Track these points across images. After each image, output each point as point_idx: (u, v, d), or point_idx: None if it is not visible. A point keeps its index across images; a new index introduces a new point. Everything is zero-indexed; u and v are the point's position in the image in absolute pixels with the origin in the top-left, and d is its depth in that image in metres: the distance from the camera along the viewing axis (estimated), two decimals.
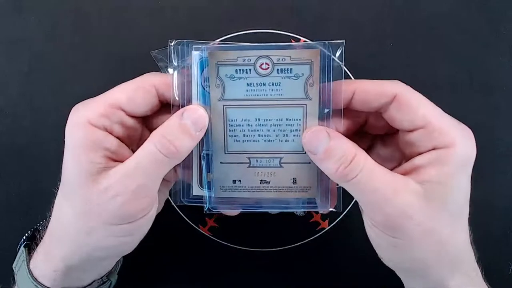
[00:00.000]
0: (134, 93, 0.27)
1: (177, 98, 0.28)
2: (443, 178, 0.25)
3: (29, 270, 0.29)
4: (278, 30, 0.38)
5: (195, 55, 0.27)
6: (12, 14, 0.38)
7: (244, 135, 0.28)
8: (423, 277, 0.27)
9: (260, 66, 0.27)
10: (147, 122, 0.30)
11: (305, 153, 0.28)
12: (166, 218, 0.38)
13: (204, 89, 0.28)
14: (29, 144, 0.38)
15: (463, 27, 0.38)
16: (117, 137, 0.27)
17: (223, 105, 0.27)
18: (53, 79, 0.38)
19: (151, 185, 0.27)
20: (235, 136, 0.28)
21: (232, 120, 0.28)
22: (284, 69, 0.27)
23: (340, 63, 0.27)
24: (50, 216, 0.29)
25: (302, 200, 0.29)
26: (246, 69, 0.27)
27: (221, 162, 0.29)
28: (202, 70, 0.28)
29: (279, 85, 0.27)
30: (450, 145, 0.25)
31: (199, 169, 0.29)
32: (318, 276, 0.39)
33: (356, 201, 0.38)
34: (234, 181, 0.29)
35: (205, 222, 0.39)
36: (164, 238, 0.38)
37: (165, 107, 0.29)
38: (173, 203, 0.38)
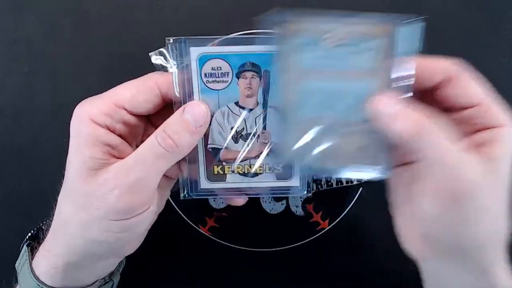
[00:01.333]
0: (137, 92, 0.28)
1: (177, 95, 0.28)
2: (503, 155, 0.25)
3: (31, 269, 0.29)
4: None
5: (194, 51, 0.27)
6: (12, 14, 0.38)
7: (312, 106, 0.27)
8: (468, 260, 0.27)
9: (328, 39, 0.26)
10: (152, 121, 0.30)
11: (369, 122, 0.27)
12: (166, 218, 0.38)
13: (205, 84, 0.28)
14: (29, 144, 0.38)
15: (463, 27, 0.38)
16: (120, 135, 0.28)
17: (292, 76, 0.26)
18: (53, 79, 0.38)
19: (150, 179, 0.27)
20: (304, 106, 0.27)
21: (301, 91, 0.27)
22: (354, 43, 0.26)
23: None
24: (54, 214, 0.29)
25: (372, 168, 0.29)
26: (314, 41, 0.26)
27: (287, 131, 0.28)
28: (201, 66, 0.28)
29: (347, 58, 0.26)
30: (505, 124, 0.26)
31: (205, 163, 0.29)
32: (318, 276, 0.39)
33: (355, 201, 0.38)
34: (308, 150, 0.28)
35: (205, 222, 0.39)
36: (164, 238, 0.38)
37: (169, 105, 0.29)
38: (173, 203, 0.38)
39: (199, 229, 0.39)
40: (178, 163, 0.29)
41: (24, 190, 0.39)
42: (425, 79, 0.27)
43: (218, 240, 0.39)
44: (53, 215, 0.29)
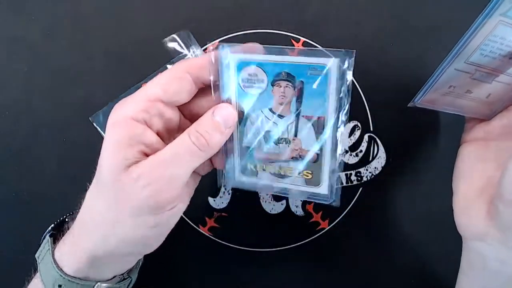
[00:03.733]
0: (169, 84, 0.28)
1: (212, 79, 0.29)
2: None
3: (54, 259, 0.29)
4: (278, 30, 0.38)
5: (233, 57, 0.28)
6: (12, 14, 0.38)
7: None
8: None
9: None
10: (185, 110, 0.31)
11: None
12: None
13: (242, 88, 0.29)
14: (29, 144, 0.38)
15: (463, 27, 0.38)
16: (156, 131, 0.28)
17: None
18: (53, 79, 0.38)
19: (183, 175, 0.27)
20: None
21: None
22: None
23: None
24: (79, 208, 0.30)
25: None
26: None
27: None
28: (239, 71, 0.28)
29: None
30: None
31: (240, 159, 0.31)
32: (318, 276, 0.39)
33: (355, 201, 0.38)
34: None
35: (205, 222, 0.39)
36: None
37: (201, 90, 0.30)
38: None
39: (199, 229, 0.39)
40: (214, 157, 0.30)
41: (24, 190, 0.39)
42: None
43: (218, 240, 0.39)
44: (79, 209, 0.30)
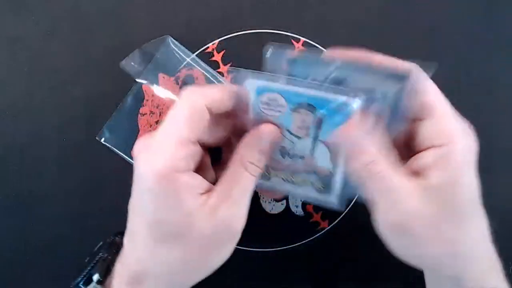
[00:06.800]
0: (195, 123, 0.26)
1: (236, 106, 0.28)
2: (447, 180, 0.25)
3: None
4: (278, 30, 0.38)
5: (251, 83, 0.28)
6: (12, 14, 0.38)
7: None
8: (439, 274, 0.28)
9: None
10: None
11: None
12: None
13: (261, 110, 0.28)
14: (29, 144, 0.38)
15: (463, 27, 0.38)
16: (196, 166, 0.27)
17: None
18: (53, 79, 0.38)
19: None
20: None
21: None
22: None
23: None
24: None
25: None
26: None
27: None
28: (258, 95, 0.28)
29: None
30: (454, 140, 0.25)
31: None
32: (318, 276, 0.39)
33: (355, 201, 0.38)
34: None
35: None
36: None
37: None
38: None
39: None
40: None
41: (24, 190, 0.39)
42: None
43: None
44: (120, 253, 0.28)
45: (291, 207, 0.38)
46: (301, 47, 0.38)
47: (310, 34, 0.38)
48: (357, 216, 0.38)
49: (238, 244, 0.39)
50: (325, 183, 0.31)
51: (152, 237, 0.26)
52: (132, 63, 0.36)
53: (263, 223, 0.38)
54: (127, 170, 0.38)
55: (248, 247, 0.38)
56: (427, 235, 0.25)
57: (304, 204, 0.38)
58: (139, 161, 0.26)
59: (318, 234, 0.38)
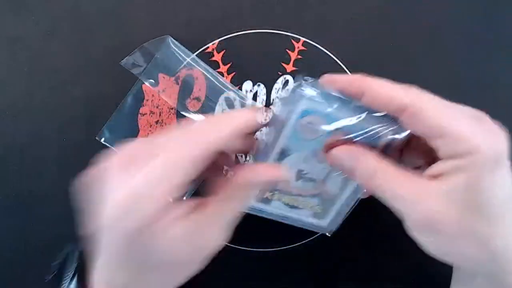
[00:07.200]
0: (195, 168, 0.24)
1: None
2: (470, 184, 0.24)
3: None
4: (278, 30, 0.38)
5: (301, 98, 0.26)
6: (12, 14, 0.38)
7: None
8: (473, 271, 0.28)
9: None
10: None
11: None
12: None
13: (296, 130, 0.27)
14: (29, 144, 0.38)
15: (463, 27, 0.38)
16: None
17: None
18: (53, 79, 0.38)
19: None
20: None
21: None
22: None
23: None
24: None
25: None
26: None
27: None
28: (302, 116, 0.27)
29: None
30: (473, 151, 0.24)
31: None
32: (318, 276, 0.39)
33: (355, 201, 0.38)
34: None
35: None
36: None
37: None
38: None
39: None
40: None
41: (24, 190, 0.39)
42: (380, 106, 0.26)
43: None
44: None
45: None
46: (301, 47, 0.38)
47: (310, 34, 0.38)
48: (357, 216, 0.38)
49: (238, 244, 0.39)
50: (325, 207, 0.31)
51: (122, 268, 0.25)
52: (132, 62, 0.35)
53: (263, 223, 0.38)
54: None
55: (248, 247, 0.38)
56: (457, 234, 0.25)
57: None
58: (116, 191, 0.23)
59: (318, 234, 0.38)
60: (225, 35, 0.38)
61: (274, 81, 0.38)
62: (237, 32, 0.38)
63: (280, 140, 0.28)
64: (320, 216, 0.32)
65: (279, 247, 0.38)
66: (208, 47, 0.38)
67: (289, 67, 0.38)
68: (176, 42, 0.36)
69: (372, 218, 0.38)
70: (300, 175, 0.30)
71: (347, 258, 0.39)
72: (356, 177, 0.27)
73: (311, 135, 0.27)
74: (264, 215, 0.32)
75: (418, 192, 0.25)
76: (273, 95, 0.38)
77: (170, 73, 0.37)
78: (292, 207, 0.32)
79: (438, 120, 0.24)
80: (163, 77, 0.37)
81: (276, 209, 0.32)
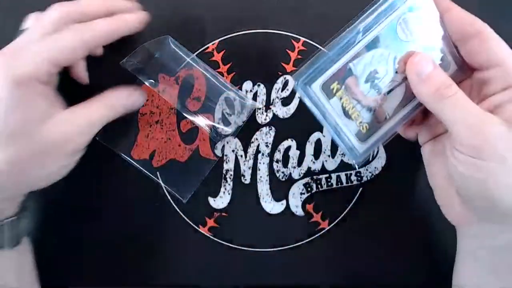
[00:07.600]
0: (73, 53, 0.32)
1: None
2: None
3: None
4: (278, 30, 0.38)
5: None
6: (12, 14, 0.38)
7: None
8: (507, 222, 0.28)
9: None
10: None
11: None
12: (166, 218, 0.39)
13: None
14: None
15: None
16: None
17: None
18: None
19: None
20: None
21: None
22: None
23: None
24: None
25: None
26: None
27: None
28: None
29: None
30: None
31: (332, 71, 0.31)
32: (318, 276, 0.39)
33: (355, 201, 0.38)
34: None
35: (205, 222, 0.39)
36: (163, 238, 0.38)
37: None
38: (173, 203, 0.38)
39: (199, 229, 0.39)
40: None
41: None
42: (457, 27, 0.29)
43: (218, 240, 0.39)
44: None
45: (291, 207, 0.38)
46: (301, 47, 0.38)
47: (310, 34, 0.38)
48: (357, 216, 0.38)
49: (238, 244, 0.39)
50: (370, 129, 0.31)
51: None
52: (132, 62, 0.35)
53: (263, 223, 0.38)
54: (127, 170, 0.38)
55: (248, 247, 0.39)
56: (502, 162, 0.25)
57: (304, 204, 0.38)
58: None
59: (318, 234, 0.38)
60: (225, 35, 0.38)
61: (274, 81, 0.38)
62: (237, 32, 0.38)
63: (379, 26, 0.30)
64: (361, 138, 0.32)
65: (279, 247, 0.38)
66: (208, 47, 0.38)
67: (289, 67, 0.38)
68: (176, 42, 0.36)
69: (372, 218, 0.38)
70: (371, 76, 0.31)
71: (347, 258, 0.39)
72: (430, 86, 0.28)
73: (406, 36, 0.30)
74: (314, 111, 0.31)
75: (483, 117, 0.26)
76: (273, 95, 0.38)
77: (170, 73, 0.37)
78: (346, 114, 0.31)
79: (502, 50, 0.28)
80: (163, 77, 0.37)
81: (331, 108, 0.31)
